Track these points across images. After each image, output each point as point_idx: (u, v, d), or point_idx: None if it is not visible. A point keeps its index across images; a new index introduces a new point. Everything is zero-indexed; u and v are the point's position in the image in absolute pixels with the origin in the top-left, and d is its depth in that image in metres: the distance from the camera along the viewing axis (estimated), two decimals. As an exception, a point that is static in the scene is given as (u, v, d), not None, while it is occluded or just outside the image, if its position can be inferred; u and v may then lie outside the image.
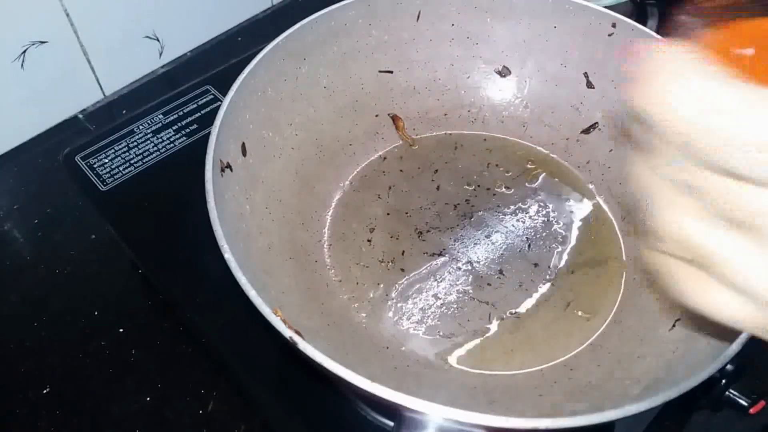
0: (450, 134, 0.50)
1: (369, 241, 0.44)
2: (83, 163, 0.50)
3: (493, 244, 0.44)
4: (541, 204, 0.45)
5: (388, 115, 0.48)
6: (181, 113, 0.54)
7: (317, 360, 0.28)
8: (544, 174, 0.47)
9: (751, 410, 0.35)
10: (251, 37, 0.61)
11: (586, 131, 0.47)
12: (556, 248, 0.43)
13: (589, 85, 0.47)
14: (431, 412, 0.27)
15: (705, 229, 0.22)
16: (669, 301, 0.38)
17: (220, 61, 0.57)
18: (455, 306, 0.41)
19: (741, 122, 0.19)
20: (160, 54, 0.58)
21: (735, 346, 0.30)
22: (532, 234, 0.44)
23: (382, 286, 0.42)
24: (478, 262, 0.43)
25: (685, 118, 0.20)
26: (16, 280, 0.47)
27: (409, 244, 0.44)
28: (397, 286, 0.42)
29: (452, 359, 0.39)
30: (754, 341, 0.30)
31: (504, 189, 0.46)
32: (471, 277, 0.42)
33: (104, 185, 0.49)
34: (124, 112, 0.55)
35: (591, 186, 0.46)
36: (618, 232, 0.44)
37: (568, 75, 0.47)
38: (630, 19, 0.44)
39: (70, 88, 0.54)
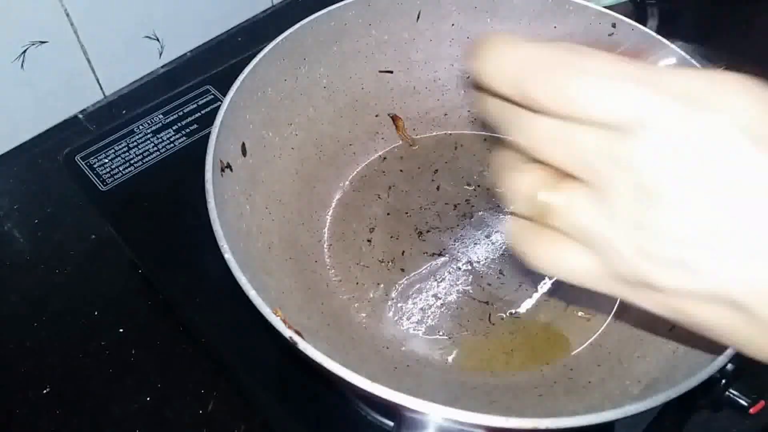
0: (450, 134, 0.50)
1: (369, 241, 0.44)
2: (83, 163, 0.50)
3: (493, 244, 0.44)
4: (541, 204, 0.45)
5: (388, 115, 0.48)
6: (181, 113, 0.54)
7: (317, 360, 0.28)
8: (544, 174, 0.47)
9: (751, 410, 0.35)
10: (251, 37, 0.61)
11: (586, 131, 0.47)
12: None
13: (589, 85, 0.47)
14: (431, 412, 0.27)
15: (545, 183, 0.23)
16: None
17: (220, 61, 0.57)
18: (455, 306, 0.41)
19: (563, 64, 0.21)
20: (160, 54, 0.58)
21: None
22: (532, 234, 0.44)
23: (382, 286, 0.42)
24: (478, 262, 0.43)
25: (513, 67, 0.22)
26: (16, 280, 0.47)
27: (409, 244, 0.44)
28: (397, 286, 0.42)
29: (452, 359, 0.39)
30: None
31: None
32: (471, 277, 0.42)
33: (104, 185, 0.49)
34: (124, 112, 0.55)
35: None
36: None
37: (568, 75, 0.47)
38: (630, 19, 0.44)
39: (70, 88, 0.54)
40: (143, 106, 0.54)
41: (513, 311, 0.41)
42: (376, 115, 0.48)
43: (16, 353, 0.43)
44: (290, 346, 0.29)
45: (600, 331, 0.40)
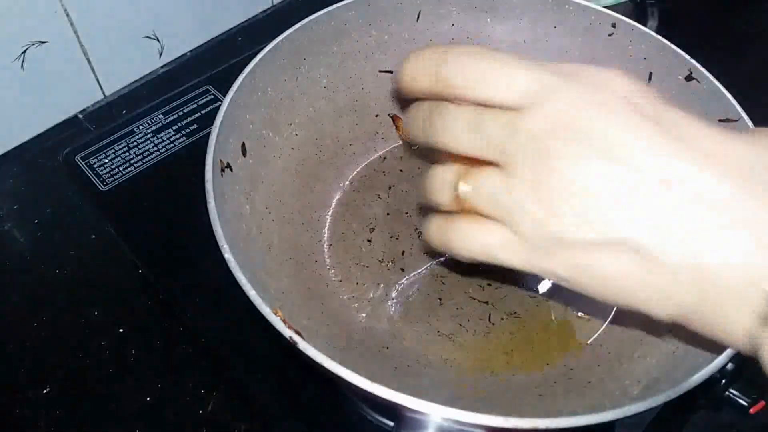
0: (450, 134, 0.49)
1: (369, 241, 0.44)
2: (83, 163, 0.50)
3: (493, 244, 0.43)
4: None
5: (388, 115, 0.48)
6: (181, 113, 0.54)
7: (317, 360, 0.28)
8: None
9: (751, 410, 0.35)
10: (251, 37, 0.61)
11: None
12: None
13: (589, 85, 0.47)
14: (431, 412, 0.27)
15: (460, 172, 0.26)
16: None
17: (220, 61, 0.57)
18: (455, 306, 0.41)
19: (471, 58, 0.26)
20: (160, 54, 0.58)
21: (735, 346, 0.30)
22: (532, 234, 0.44)
23: (382, 286, 0.42)
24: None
25: (433, 59, 0.27)
26: (16, 280, 0.47)
27: (409, 244, 0.44)
28: (397, 286, 0.42)
29: (452, 359, 0.39)
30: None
31: (504, 189, 0.46)
32: (471, 277, 0.42)
33: (104, 185, 0.49)
34: (124, 112, 0.55)
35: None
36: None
37: (568, 75, 0.47)
38: (630, 19, 0.44)
39: (70, 88, 0.54)
40: (143, 106, 0.54)
41: (513, 311, 0.41)
42: (376, 115, 0.48)
43: (16, 353, 0.43)
44: (290, 346, 0.29)
45: (600, 331, 0.40)
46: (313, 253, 0.43)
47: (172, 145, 0.52)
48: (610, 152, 0.22)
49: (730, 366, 0.34)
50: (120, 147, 0.51)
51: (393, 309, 0.41)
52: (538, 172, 0.23)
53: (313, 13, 0.43)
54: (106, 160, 0.50)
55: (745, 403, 0.35)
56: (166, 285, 0.45)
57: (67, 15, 0.50)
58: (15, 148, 0.53)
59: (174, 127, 0.53)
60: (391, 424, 0.39)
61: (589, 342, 0.39)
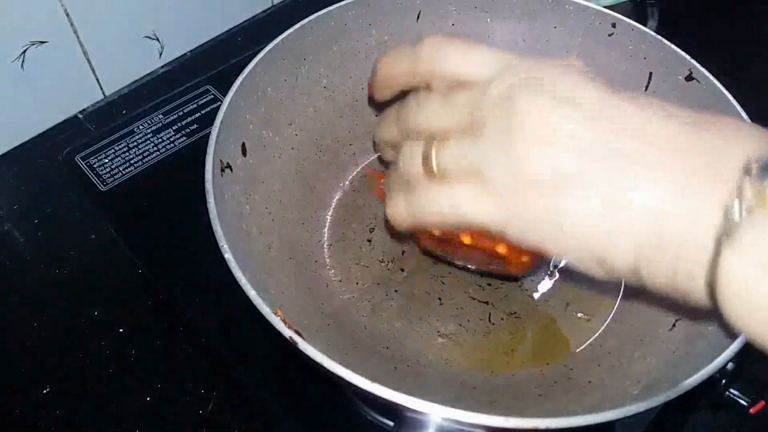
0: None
1: (369, 241, 0.44)
2: (83, 163, 0.50)
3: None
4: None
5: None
6: (181, 113, 0.54)
7: (317, 360, 0.28)
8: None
9: (751, 410, 0.35)
10: (251, 37, 0.61)
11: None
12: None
13: (589, 85, 0.47)
14: (431, 412, 0.27)
15: (434, 144, 0.28)
16: (669, 301, 0.38)
17: (220, 61, 0.57)
18: (455, 306, 0.41)
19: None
20: (160, 54, 0.58)
21: (735, 346, 0.30)
22: (532, 234, 0.44)
23: (382, 286, 0.42)
24: (478, 262, 0.43)
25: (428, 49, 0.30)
26: (16, 280, 0.47)
27: (409, 244, 0.44)
28: (397, 286, 0.42)
29: (452, 359, 0.39)
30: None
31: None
32: (471, 277, 0.42)
33: (104, 185, 0.49)
34: (124, 112, 0.55)
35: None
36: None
37: (568, 75, 0.47)
38: (630, 19, 0.44)
39: (70, 88, 0.54)
40: (143, 106, 0.54)
41: (513, 311, 0.41)
42: (376, 115, 0.48)
43: (16, 353, 0.43)
44: (290, 346, 0.29)
45: (600, 331, 0.40)
46: (313, 253, 0.43)
47: (172, 145, 0.52)
48: (572, 101, 0.25)
49: (730, 366, 0.34)
50: (120, 147, 0.51)
51: (393, 309, 0.41)
52: (506, 123, 0.25)
53: (313, 13, 0.43)
54: (106, 160, 0.50)
55: (745, 403, 0.35)
56: (166, 285, 0.45)
57: (67, 15, 0.50)
58: (15, 148, 0.53)
59: (174, 127, 0.53)
60: (391, 424, 0.39)
61: (589, 342, 0.39)
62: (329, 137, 0.46)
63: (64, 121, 0.55)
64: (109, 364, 0.42)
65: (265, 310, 0.29)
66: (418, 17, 0.47)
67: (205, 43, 0.61)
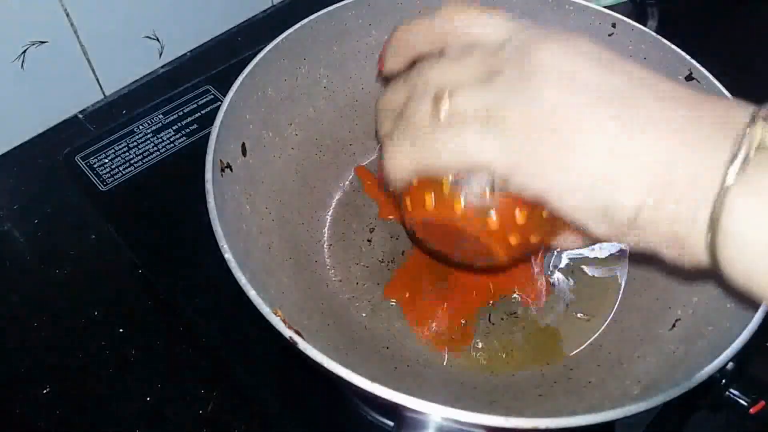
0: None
1: (369, 241, 0.44)
2: (83, 163, 0.50)
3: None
4: (541, 204, 0.45)
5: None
6: (181, 113, 0.54)
7: (317, 360, 0.28)
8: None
9: (751, 410, 0.35)
10: (251, 37, 0.61)
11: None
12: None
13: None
14: (431, 412, 0.27)
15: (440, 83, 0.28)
16: (668, 301, 0.38)
17: (220, 61, 0.57)
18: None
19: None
20: (160, 54, 0.58)
21: (735, 346, 0.30)
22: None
23: (381, 286, 0.42)
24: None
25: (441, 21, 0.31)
26: (16, 280, 0.47)
27: (409, 244, 0.44)
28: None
29: (452, 359, 0.39)
30: (754, 341, 0.30)
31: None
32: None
33: (104, 185, 0.49)
34: (124, 112, 0.55)
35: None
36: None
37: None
38: (630, 19, 0.44)
39: (70, 88, 0.54)
40: (143, 106, 0.54)
41: (513, 311, 0.41)
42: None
43: (16, 353, 0.43)
44: (290, 346, 0.29)
45: (600, 331, 0.40)
46: (313, 253, 0.43)
47: (172, 145, 0.52)
48: (586, 53, 0.26)
49: (730, 366, 0.34)
50: (120, 147, 0.51)
51: (393, 309, 0.41)
52: (521, 69, 0.26)
53: (313, 13, 0.43)
54: (106, 160, 0.50)
55: (745, 403, 0.35)
56: (166, 285, 0.45)
57: (67, 15, 0.50)
58: (15, 148, 0.53)
59: (174, 127, 0.53)
60: (391, 424, 0.39)
61: (589, 342, 0.39)
62: (329, 137, 0.46)
63: (64, 121, 0.55)
64: (109, 364, 0.42)
65: (265, 310, 0.29)
66: (418, 17, 0.47)
67: (205, 43, 0.61)
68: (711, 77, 0.40)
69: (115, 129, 0.52)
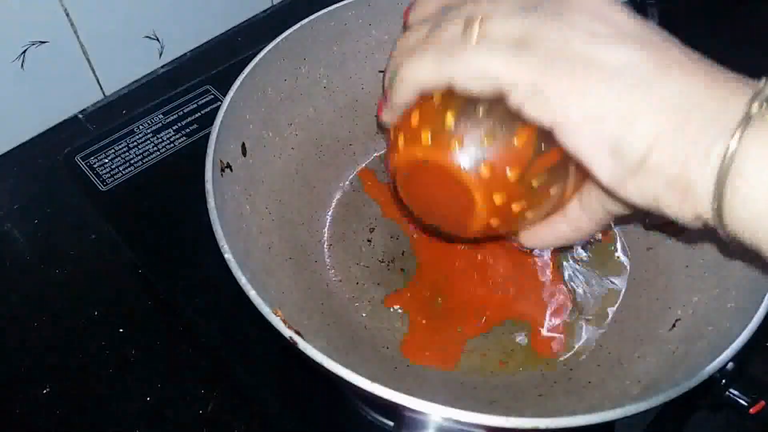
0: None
1: (369, 241, 0.44)
2: (83, 163, 0.50)
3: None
4: (541, 204, 0.45)
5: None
6: (181, 113, 0.54)
7: (317, 360, 0.28)
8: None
9: (751, 410, 0.35)
10: (251, 37, 0.61)
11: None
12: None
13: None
14: (431, 412, 0.27)
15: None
16: (668, 301, 0.38)
17: (220, 61, 0.57)
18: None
19: None
20: (160, 54, 0.58)
21: (735, 346, 0.30)
22: (532, 234, 0.44)
23: (382, 286, 0.42)
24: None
25: None
26: (16, 280, 0.47)
27: (410, 244, 0.44)
28: (397, 286, 0.42)
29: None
30: (754, 341, 0.30)
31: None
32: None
33: (104, 185, 0.49)
34: (124, 112, 0.55)
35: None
36: (618, 232, 0.44)
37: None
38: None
39: (70, 88, 0.54)
40: (143, 106, 0.54)
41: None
42: (376, 115, 0.48)
43: (16, 353, 0.43)
44: (290, 346, 0.29)
45: (600, 331, 0.40)
46: (313, 253, 0.43)
47: (172, 145, 0.52)
48: (623, 6, 0.27)
49: (730, 366, 0.34)
50: (120, 147, 0.51)
51: (393, 309, 0.41)
52: (560, 4, 0.26)
53: (313, 13, 0.43)
54: (106, 160, 0.50)
55: (745, 403, 0.35)
56: (166, 285, 0.45)
57: (67, 15, 0.50)
58: (15, 148, 0.53)
59: (174, 127, 0.53)
60: (391, 424, 0.39)
61: (589, 342, 0.39)
62: (329, 137, 0.46)
63: (64, 121, 0.55)
64: (109, 364, 0.42)
65: (265, 310, 0.29)
66: (418, 17, 0.47)
67: (205, 43, 0.61)
68: (711, 77, 0.40)
69: (115, 129, 0.52)
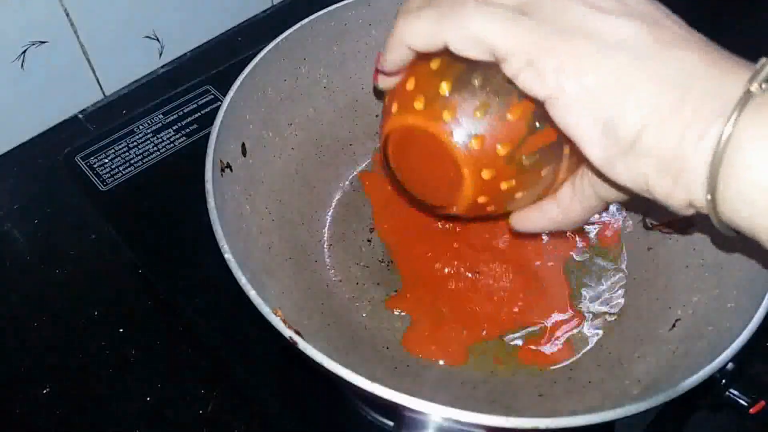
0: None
1: (369, 241, 0.44)
2: (83, 163, 0.50)
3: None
4: (541, 204, 0.45)
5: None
6: (181, 113, 0.54)
7: (317, 360, 0.28)
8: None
9: (751, 410, 0.35)
10: (251, 37, 0.61)
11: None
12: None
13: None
14: (431, 412, 0.27)
15: None
16: (668, 301, 0.38)
17: (220, 61, 0.57)
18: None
19: None
20: (160, 54, 0.58)
21: (735, 346, 0.30)
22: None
23: (382, 286, 0.42)
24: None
25: None
26: (16, 280, 0.47)
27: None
28: (397, 285, 0.42)
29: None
30: (754, 341, 0.30)
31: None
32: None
33: (104, 185, 0.49)
34: (124, 112, 0.55)
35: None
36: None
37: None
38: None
39: (70, 88, 0.54)
40: (143, 106, 0.54)
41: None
42: (376, 116, 0.48)
43: (16, 353, 0.43)
44: (290, 346, 0.29)
45: (600, 331, 0.40)
46: (313, 253, 0.43)
47: (172, 145, 0.52)
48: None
49: (730, 366, 0.34)
50: (120, 147, 0.51)
51: (393, 309, 0.41)
52: None
53: (313, 13, 0.43)
54: (106, 160, 0.50)
55: (745, 403, 0.35)
56: (166, 285, 0.45)
57: (67, 15, 0.50)
58: (15, 148, 0.53)
59: (174, 127, 0.53)
60: (391, 424, 0.39)
61: (589, 342, 0.39)
62: (329, 137, 0.46)
63: (64, 121, 0.55)
64: (109, 364, 0.42)
65: (265, 310, 0.29)
66: (418, 17, 0.47)
67: (205, 43, 0.61)
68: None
69: (115, 129, 0.52)
